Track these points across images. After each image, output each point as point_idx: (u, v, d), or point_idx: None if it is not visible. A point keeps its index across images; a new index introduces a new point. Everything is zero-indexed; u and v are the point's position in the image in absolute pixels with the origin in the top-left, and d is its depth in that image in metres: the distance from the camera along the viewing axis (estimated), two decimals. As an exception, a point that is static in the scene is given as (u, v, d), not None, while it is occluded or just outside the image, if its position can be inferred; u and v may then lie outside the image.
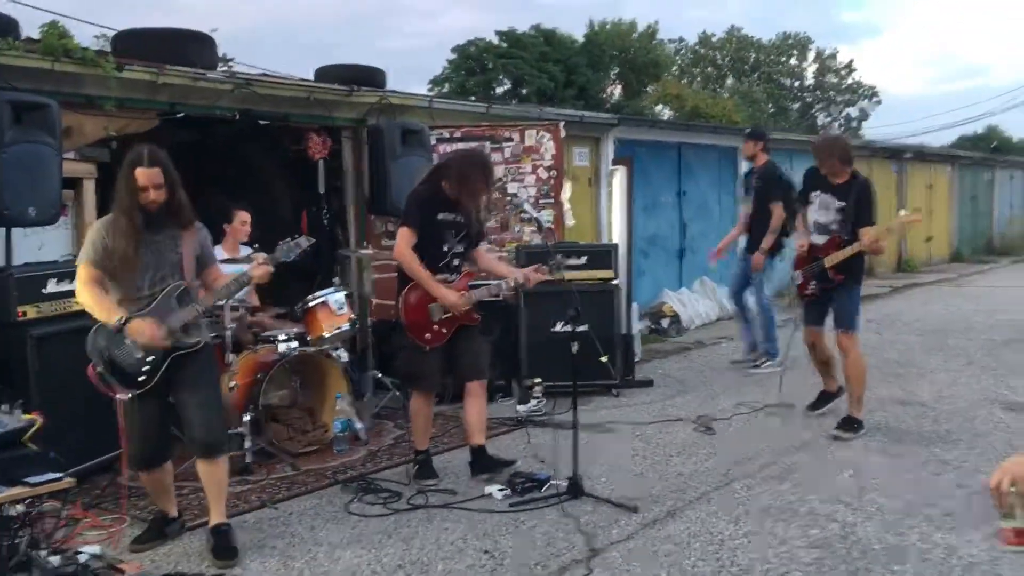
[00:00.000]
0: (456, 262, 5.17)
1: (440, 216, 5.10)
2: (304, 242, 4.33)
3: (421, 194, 5.19)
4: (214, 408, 4.23)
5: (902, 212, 5.76)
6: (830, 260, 5.99)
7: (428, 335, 5.05)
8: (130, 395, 4.04)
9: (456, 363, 5.20)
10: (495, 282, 5.25)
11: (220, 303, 4.67)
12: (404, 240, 5.05)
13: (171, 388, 4.12)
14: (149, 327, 3.92)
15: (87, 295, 4.03)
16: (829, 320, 6.27)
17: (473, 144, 7.99)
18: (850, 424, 6.02)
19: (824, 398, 6.58)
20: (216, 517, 4.22)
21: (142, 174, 3.95)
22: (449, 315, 5.03)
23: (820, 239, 6.14)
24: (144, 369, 4.01)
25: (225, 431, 4.53)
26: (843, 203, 6.00)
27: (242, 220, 6.27)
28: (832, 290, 6.09)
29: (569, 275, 5.09)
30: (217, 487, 4.20)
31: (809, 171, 6.38)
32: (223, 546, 4.13)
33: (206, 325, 4.30)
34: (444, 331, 5.07)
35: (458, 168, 5.10)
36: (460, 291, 5.07)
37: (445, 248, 5.11)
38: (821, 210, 6.13)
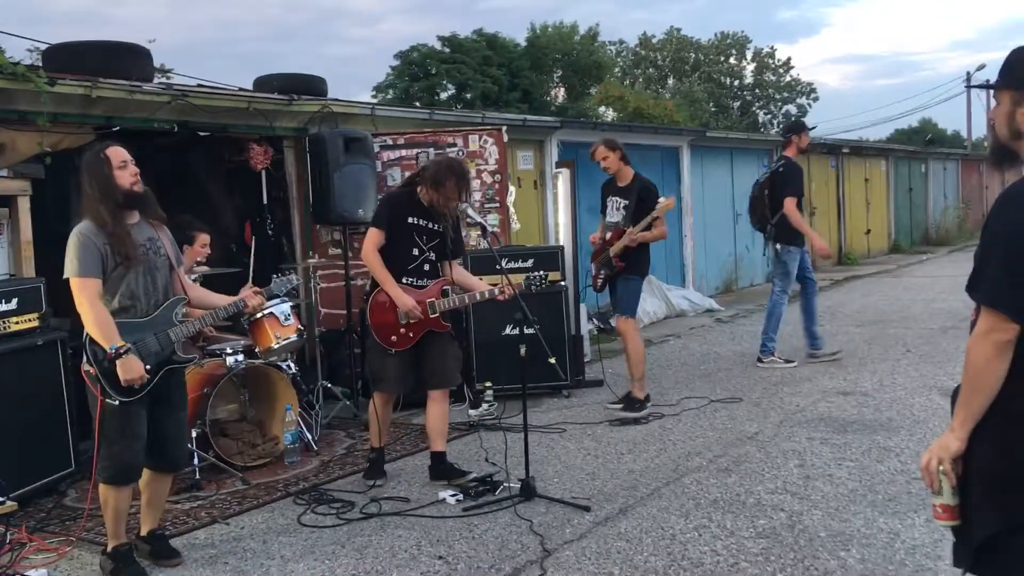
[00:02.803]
0: (427, 268, 5.16)
1: (410, 220, 5.10)
2: (295, 279, 4.60)
3: (393, 196, 5.27)
4: (185, 428, 4.43)
5: (661, 199, 6.73)
6: (613, 249, 6.66)
7: (394, 338, 5.07)
8: (119, 401, 3.89)
9: (422, 368, 5.21)
10: (467, 294, 5.22)
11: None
12: (370, 240, 5.09)
13: (153, 403, 4.05)
14: (137, 369, 3.83)
15: (87, 309, 3.84)
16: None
17: (413, 150, 8.01)
18: (631, 403, 6.72)
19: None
20: (152, 524, 4.31)
21: (115, 152, 3.97)
22: (416, 320, 5.04)
23: (609, 236, 6.81)
24: None
25: (187, 448, 4.69)
26: (627, 201, 6.71)
27: (203, 243, 6.18)
28: (616, 278, 6.73)
29: (516, 278, 5.12)
30: (163, 498, 4.37)
31: (604, 183, 7.06)
32: (165, 547, 4.27)
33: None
34: (411, 335, 5.09)
35: (433, 174, 5.08)
36: (429, 298, 5.08)
37: (415, 252, 5.11)
38: (613, 211, 6.83)
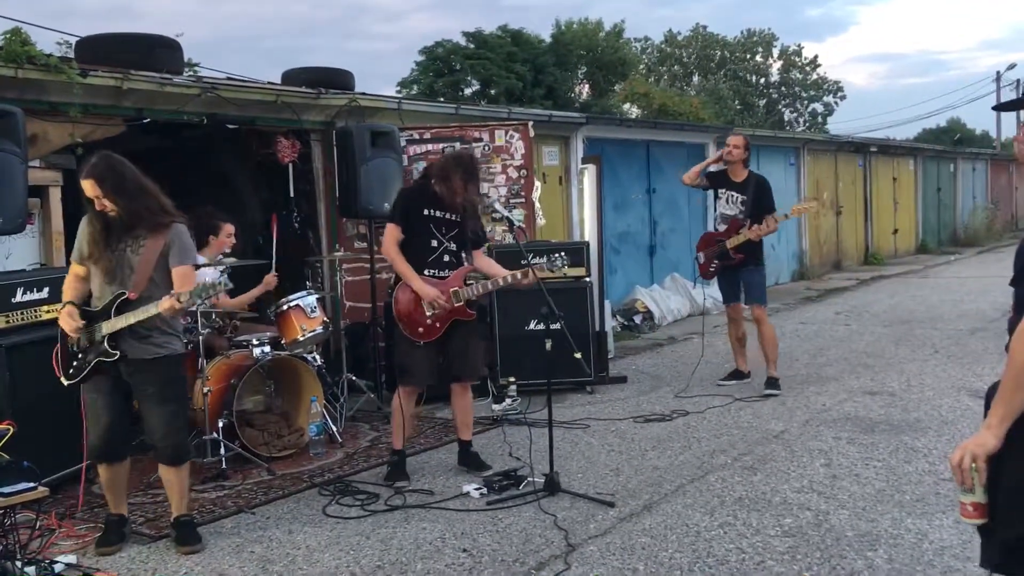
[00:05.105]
0: (447, 258, 5.18)
1: (426, 212, 5.14)
2: (222, 286, 4.15)
3: (409, 190, 5.35)
4: (180, 420, 4.37)
5: (802, 203, 7.46)
6: (732, 242, 7.13)
7: (421, 329, 5.10)
8: (65, 383, 4.24)
9: (448, 360, 5.25)
10: (489, 280, 5.23)
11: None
12: (389, 235, 5.16)
13: (137, 397, 4.28)
14: (66, 315, 4.15)
15: (65, 287, 4.31)
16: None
17: (439, 145, 8.01)
18: (774, 383, 7.10)
19: (735, 375, 7.53)
20: (177, 510, 4.37)
21: (83, 184, 4.12)
22: (440, 310, 5.06)
23: (723, 227, 7.28)
24: (74, 363, 4.21)
25: (188, 440, 4.60)
26: (744, 196, 7.17)
27: (227, 233, 6.23)
28: (735, 268, 7.19)
29: (541, 273, 5.12)
30: (180, 487, 4.36)
31: (711, 173, 7.49)
32: (187, 533, 4.31)
33: (175, 342, 4.30)
34: (437, 325, 5.11)
35: (441, 166, 5.19)
36: (452, 287, 5.10)
37: (434, 244, 5.15)
38: (727, 204, 7.27)
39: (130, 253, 4.16)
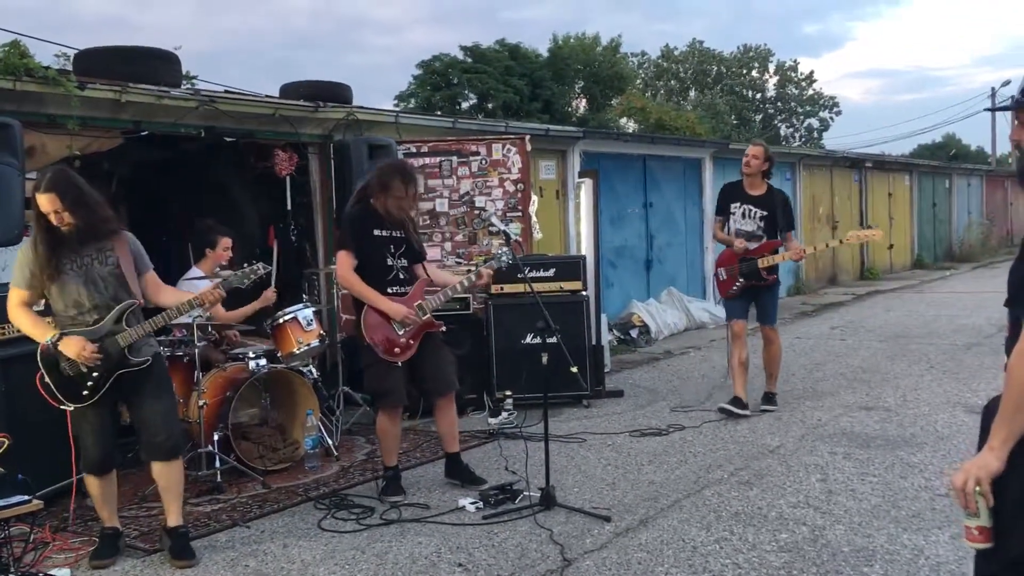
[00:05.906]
0: (402, 275, 5.20)
1: (376, 232, 5.13)
2: (261, 268, 4.40)
3: (352, 215, 5.23)
4: (174, 415, 4.49)
5: (857, 232, 7.14)
6: (765, 262, 6.73)
7: (397, 349, 5.08)
8: (73, 408, 4.14)
9: (422, 378, 5.24)
10: (448, 287, 5.26)
11: (176, 321, 4.75)
12: (344, 264, 5.09)
13: (128, 400, 4.29)
14: (77, 343, 4.04)
15: (21, 318, 4.19)
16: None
17: (437, 158, 8.04)
18: (771, 398, 7.06)
19: (736, 404, 6.87)
20: (174, 519, 4.35)
21: (40, 199, 4.06)
22: (411, 327, 5.06)
23: (752, 245, 6.82)
24: (88, 384, 4.12)
25: (182, 434, 4.67)
26: (765, 212, 6.80)
27: (224, 246, 6.24)
28: (761, 288, 6.84)
29: (538, 287, 5.13)
30: (177, 486, 4.37)
31: (727, 185, 7.17)
32: (182, 546, 4.28)
33: (153, 341, 4.40)
34: (411, 342, 5.12)
35: (378, 179, 5.15)
36: (416, 302, 5.11)
37: (388, 263, 5.14)
38: (743, 219, 6.88)
39: (98, 265, 4.16)
